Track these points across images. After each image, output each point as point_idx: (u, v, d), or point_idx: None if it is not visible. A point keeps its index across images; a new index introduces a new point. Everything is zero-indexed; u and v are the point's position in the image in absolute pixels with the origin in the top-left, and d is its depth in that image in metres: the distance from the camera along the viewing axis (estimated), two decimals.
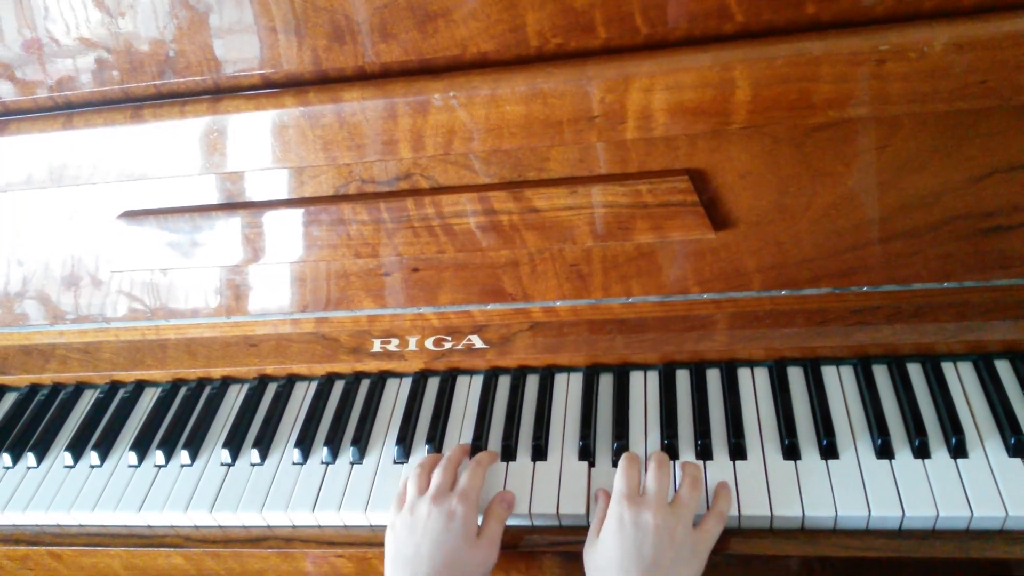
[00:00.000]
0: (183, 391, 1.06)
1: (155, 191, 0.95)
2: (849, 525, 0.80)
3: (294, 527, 0.91)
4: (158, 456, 0.97)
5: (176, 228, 0.95)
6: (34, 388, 1.10)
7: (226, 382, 1.06)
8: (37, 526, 0.96)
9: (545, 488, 0.86)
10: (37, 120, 0.91)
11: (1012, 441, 0.81)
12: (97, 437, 1.01)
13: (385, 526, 0.87)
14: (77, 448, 1.00)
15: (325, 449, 0.94)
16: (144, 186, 0.95)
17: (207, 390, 1.05)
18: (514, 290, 0.93)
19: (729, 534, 0.80)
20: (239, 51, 0.85)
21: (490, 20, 0.80)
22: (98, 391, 1.08)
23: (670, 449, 0.87)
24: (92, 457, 0.99)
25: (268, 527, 0.91)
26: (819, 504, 0.80)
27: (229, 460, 0.96)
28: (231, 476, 0.94)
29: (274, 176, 0.93)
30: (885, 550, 0.78)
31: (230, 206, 0.94)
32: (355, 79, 0.85)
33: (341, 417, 0.97)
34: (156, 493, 0.94)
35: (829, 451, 0.84)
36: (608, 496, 0.82)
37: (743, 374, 0.94)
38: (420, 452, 0.93)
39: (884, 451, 0.83)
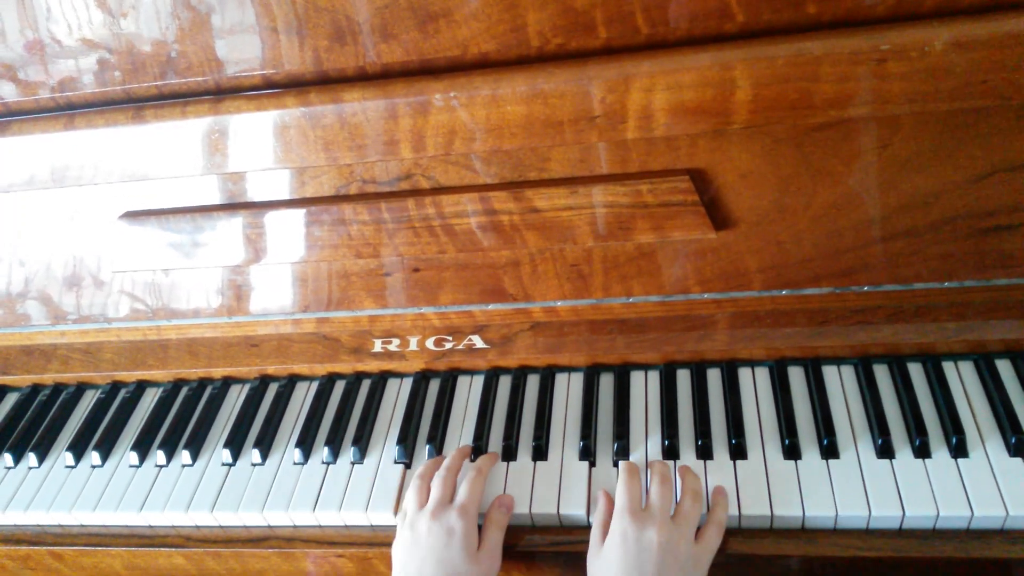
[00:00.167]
0: (184, 391, 1.06)
1: (157, 191, 0.96)
2: (850, 525, 0.80)
3: (295, 527, 0.91)
4: (159, 456, 0.97)
5: (178, 228, 0.96)
6: (36, 388, 1.11)
7: (227, 382, 1.06)
8: (38, 526, 0.96)
9: (546, 488, 0.86)
10: (39, 121, 0.91)
11: (1013, 440, 0.81)
12: (98, 437, 1.01)
13: (386, 526, 0.87)
14: (78, 448, 1.00)
15: (326, 449, 0.94)
16: (146, 186, 0.95)
17: (208, 390, 1.05)
18: (515, 290, 0.94)
19: (730, 534, 0.80)
20: (240, 51, 0.85)
21: (491, 20, 0.80)
22: (99, 391, 1.08)
23: (671, 449, 0.87)
24: (93, 457, 0.99)
25: (269, 527, 0.91)
26: (820, 504, 0.80)
27: (230, 460, 0.96)
28: (232, 476, 0.94)
29: (275, 176, 0.93)
30: (886, 550, 0.78)
31: (231, 206, 0.95)
32: (356, 79, 0.85)
33: (342, 417, 0.97)
34: (157, 493, 0.94)
35: (830, 451, 0.84)
36: (608, 497, 0.82)
37: (744, 374, 0.94)
38: (421, 452, 0.93)
39: (885, 451, 0.83)
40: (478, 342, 0.98)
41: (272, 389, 1.04)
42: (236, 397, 1.04)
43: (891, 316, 0.90)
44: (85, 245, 1.00)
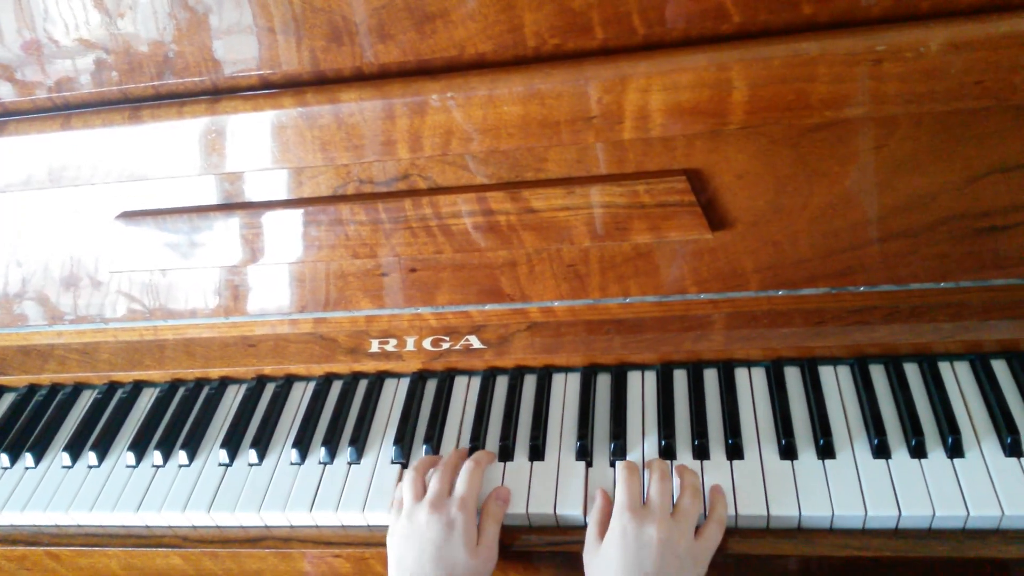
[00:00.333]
0: (181, 391, 1.06)
1: (154, 192, 0.96)
2: (846, 525, 0.80)
3: (292, 527, 0.91)
4: (156, 456, 0.97)
5: (174, 229, 0.96)
6: (32, 388, 1.10)
7: (224, 382, 1.06)
8: (35, 526, 0.96)
9: (543, 488, 0.86)
10: (36, 121, 0.91)
11: (1008, 440, 0.81)
12: (95, 437, 1.01)
13: (382, 526, 0.87)
14: (75, 448, 1.00)
15: (323, 449, 0.94)
16: (143, 187, 0.95)
17: (205, 390, 1.05)
18: (512, 290, 0.94)
19: (727, 534, 0.80)
20: (237, 52, 0.85)
21: (488, 21, 0.80)
22: (96, 391, 1.08)
23: (667, 449, 0.87)
24: (90, 457, 0.99)
25: (266, 527, 0.91)
26: (816, 504, 0.80)
27: (227, 460, 0.96)
28: (229, 476, 0.94)
29: (272, 177, 0.93)
30: (882, 549, 0.78)
31: (228, 207, 0.95)
32: (353, 80, 0.85)
33: (339, 417, 0.97)
34: (154, 493, 0.94)
35: (826, 451, 0.84)
36: (606, 495, 0.82)
37: (740, 374, 0.94)
38: (418, 452, 0.93)
39: (881, 451, 0.83)
40: (475, 342, 0.98)
41: (269, 389, 1.04)
42: (233, 397, 1.04)
43: (887, 316, 0.90)
44: (82, 245, 1.00)
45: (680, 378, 0.95)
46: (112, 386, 1.08)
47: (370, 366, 1.02)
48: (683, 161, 0.85)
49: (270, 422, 0.99)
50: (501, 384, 0.99)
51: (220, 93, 0.88)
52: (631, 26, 0.79)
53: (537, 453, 0.90)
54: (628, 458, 0.88)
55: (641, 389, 0.95)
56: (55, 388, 1.10)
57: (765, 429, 0.88)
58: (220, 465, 0.96)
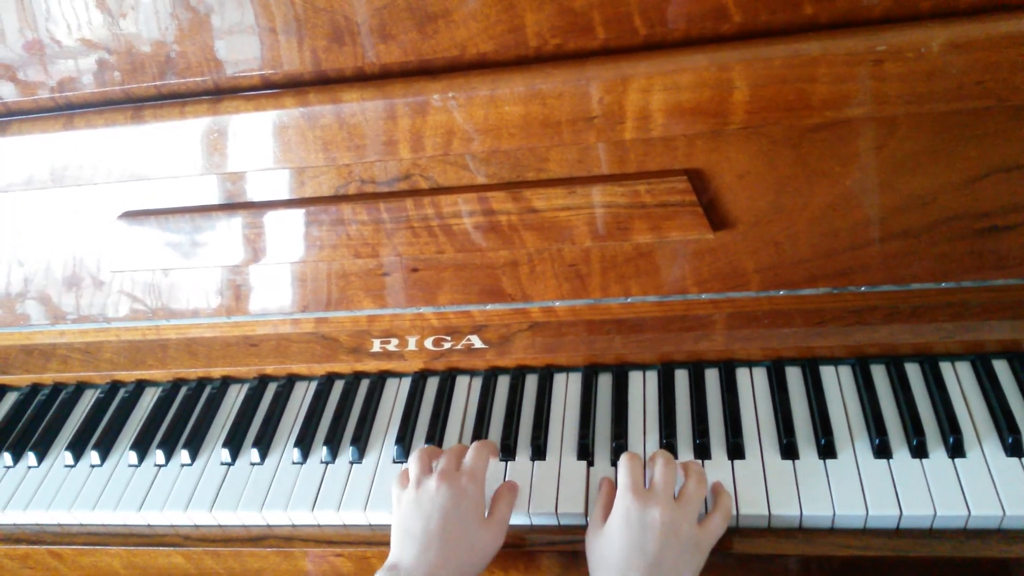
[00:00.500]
0: (183, 391, 1.06)
1: (156, 191, 0.96)
2: (847, 524, 0.80)
3: (293, 526, 0.91)
4: (158, 455, 0.98)
5: (177, 228, 0.96)
6: (35, 388, 1.11)
7: (226, 382, 1.06)
8: (38, 525, 0.96)
9: (544, 488, 0.86)
10: (38, 121, 0.92)
11: (1010, 440, 0.81)
12: (98, 437, 1.01)
13: (384, 525, 0.87)
14: (78, 447, 1.00)
15: (325, 449, 0.94)
16: (145, 186, 0.95)
17: (207, 390, 1.05)
18: (513, 290, 0.94)
19: (727, 533, 0.80)
20: (239, 52, 0.86)
21: (489, 21, 0.80)
22: (99, 391, 1.08)
23: (668, 448, 0.87)
24: (93, 456, 0.99)
25: (268, 526, 0.91)
26: (817, 503, 0.80)
27: (229, 460, 0.96)
28: (231, 475, 0.94)
29: (274, 176, 0.93)
30: (883, 549, 0.78)
31: (230, 206, 0.95)
32: (355, 80, 0.85)
33: (341, 417, 0.98)
34: (156, 492, 0.94)
35: (827, 451, 0.84)
36: (611, 484, 0.82)
37: (741, 374, 0.94)
38: None
39: (882, 451, 0.83)
40: (476, 342, 0.98)
41: (271, 389, 1.04)
42: (235, 397, 1.04)
43: (888, 316, 0.90)
44: (84, 245, 1.00)
45: (681, 378, 0.95)
46: (114, 385, 1.08)
47: (372, 366, 1.02)
48: (684, 161, 0.85)
49: (272, 421, 0.99)
50: (502, 384, 0.99)
51: (222, 93, 0.88)
52: (632, 26, 0.79)
53: (539, 452, 0.90)
54: None
55: (642, 389, 0.95)
56: (58, 387, 1.11)
57: (766, 429, 0.88)
58: (222, 464, 0.96)
